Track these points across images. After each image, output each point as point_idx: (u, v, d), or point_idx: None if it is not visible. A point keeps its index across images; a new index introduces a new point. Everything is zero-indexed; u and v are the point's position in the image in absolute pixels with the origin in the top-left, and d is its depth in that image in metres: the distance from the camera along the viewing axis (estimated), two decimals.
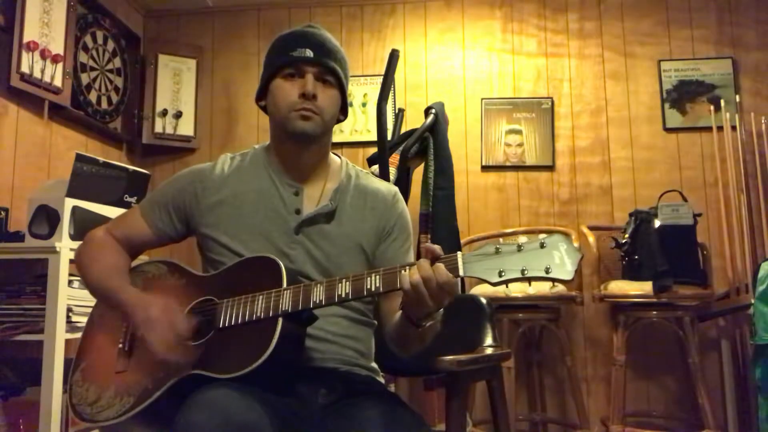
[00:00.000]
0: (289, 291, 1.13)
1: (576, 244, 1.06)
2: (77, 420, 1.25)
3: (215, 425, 0.97)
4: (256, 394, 1.05)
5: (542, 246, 1.01)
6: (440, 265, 1.03)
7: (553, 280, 1.00)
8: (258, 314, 1.13)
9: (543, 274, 1.00)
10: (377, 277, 1.09)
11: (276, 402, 1.10)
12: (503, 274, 1.01)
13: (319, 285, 1.13)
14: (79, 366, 1.31)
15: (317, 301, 1.11)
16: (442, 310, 1.13)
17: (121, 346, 1.26)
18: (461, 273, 1.03)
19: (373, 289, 1.09)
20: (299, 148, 1.33)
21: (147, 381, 1.18)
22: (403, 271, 1.06)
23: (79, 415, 1.23)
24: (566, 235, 1.05)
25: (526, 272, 1.00)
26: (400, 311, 1.15)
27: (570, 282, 1.00)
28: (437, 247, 1.06)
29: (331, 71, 1.31)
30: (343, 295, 1.11)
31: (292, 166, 1.35)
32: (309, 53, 1.29)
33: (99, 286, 1.31)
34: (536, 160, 3.32)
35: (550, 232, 1.04)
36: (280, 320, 1.10)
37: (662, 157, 3.26)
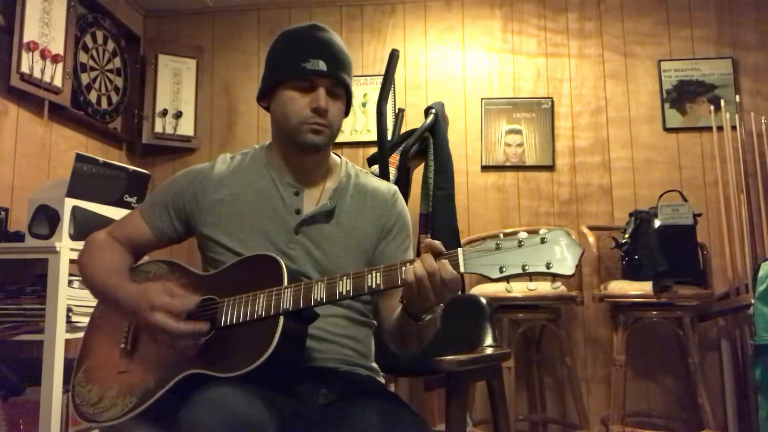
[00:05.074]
0: (290, 289, 1.13)
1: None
2: (79, 420, 1.25)
3: (219, 422, 0.97)
4: (258, 393, 1.05)
5: (543, 241, 1.01)
6: (445, 261, 1.04)
7: (554, 275, 0.99)
8: (259, 313, 1.13)
9: (544, 269, 0.99)
10: (378, 274, 1.09)
11: (278, 401, 1.10)
12: (504, 269, 1.01)
13: (320, 283, 1.13)
14: (81, 367, 1.31)
15: (318, 299, 1.11)
16: (442, 305, 1.13)
17: (123, 346, 1.26)
18: (462, 269, 1.03)
19: (374, 286, 1.09)
20: (304, 154, 1.33)
21: (149, 380, 1.18)
22: (408, 264, 1.06)
23: (82, 416, 1.23)
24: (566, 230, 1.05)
25: (526, 268, 1.00)
26: (400, 307, 1.15)
27: (571, 277, 1.00)
28: (438, 243, 1.06)
29: (342, 84, 1.31)
30: (344, 293, 1.10)
31: (293, 168, 1.35)
32: (322, 66, 1.27)
33: (99, 285, 1.31)
34: (536, 160, 3.32)
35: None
36: (282, 318, 1.10)
37: (662, 157, 3.26)
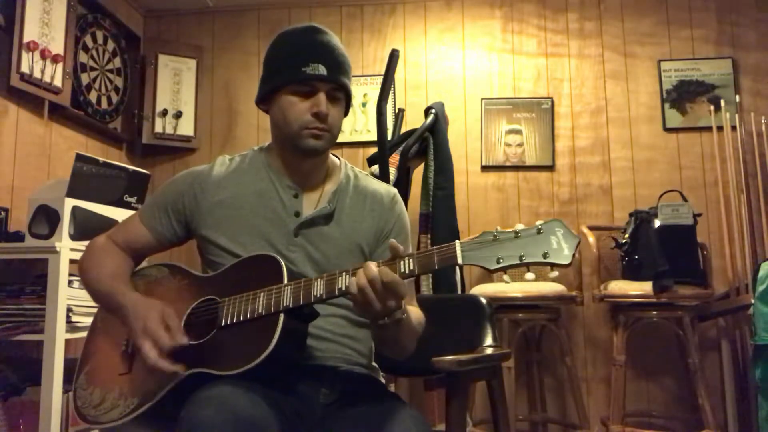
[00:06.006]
0: (289, 287, 1.13)
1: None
2: (80, 421, 1.25)
3: (222, 420, 0.97)
4: (260, 392, 1.06)
5: (539, 232, 1.02)
6: (384, 267, 1.05)
7: (552, 264, 1.00)
8: (259, 311, 1.13)
9: (541, 259, 1.00)
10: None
11: (279, 400, 1.11)
12: (501, 260, 1.02)
13: (319, 280, 1.13)
14: (83, 369, 1.31)
15: (318, 296, 1.11)
16: (403, 309, 1.12)
17: (124, 348, 1.27)
18: (460, 261, 1.04)
19: None
20: (304, 157, 1.33)
21: (150, 381, 1.18)
22: (350, 276, 1.07)
23: (83, 418, 1.24)
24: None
25: (524, 258, 1.01)
26: None
27: (568, 266, 1.00)
28: (398, 245, 1.08)
29: (342, 88, 1.31)
30: (344, 288, 1.10)
31: (293, 170, 1.35)
32: (322, 70, 1.26)
33: (99, 290, 1.32)
34: (536, 160, 3.32)
35: None
36: (282, 316, 1.11)
37: (662, 157, 3.26)
